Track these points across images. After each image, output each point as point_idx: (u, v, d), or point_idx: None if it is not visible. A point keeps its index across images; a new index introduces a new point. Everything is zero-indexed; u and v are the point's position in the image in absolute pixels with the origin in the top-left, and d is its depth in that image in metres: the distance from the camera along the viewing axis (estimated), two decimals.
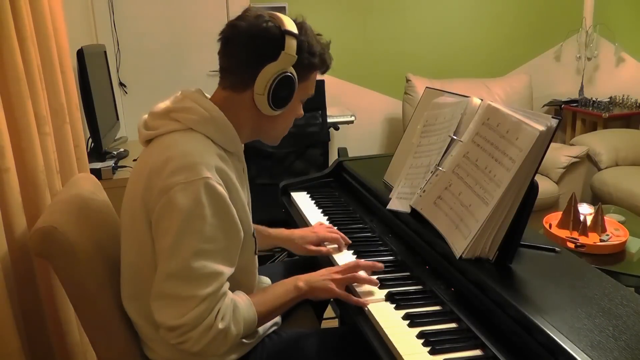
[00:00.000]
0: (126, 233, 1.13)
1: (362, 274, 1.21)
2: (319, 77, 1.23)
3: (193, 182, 0.99)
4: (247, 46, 1.10)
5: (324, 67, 1.20)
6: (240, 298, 1.10)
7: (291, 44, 1.09)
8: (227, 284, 1.06)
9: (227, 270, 1.05)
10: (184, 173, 0.99)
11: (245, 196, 1.17)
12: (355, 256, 1.39)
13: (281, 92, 1.12)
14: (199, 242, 1.00)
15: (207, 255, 1.01)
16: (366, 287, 1.20)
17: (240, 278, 1.14)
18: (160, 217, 1.01)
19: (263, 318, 1.14)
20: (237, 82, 1.13)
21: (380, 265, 1.24)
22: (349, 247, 1.44)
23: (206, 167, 1.01)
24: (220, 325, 1.01)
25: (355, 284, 1.20)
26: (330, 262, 1.39)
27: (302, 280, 1.19)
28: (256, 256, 1.24)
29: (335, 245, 1.44)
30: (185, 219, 0.98)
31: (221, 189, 1.02)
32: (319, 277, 1.20)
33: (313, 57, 1.15)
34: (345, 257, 1.39)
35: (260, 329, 1.23)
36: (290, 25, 1.11)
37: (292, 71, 1.12)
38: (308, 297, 1.20)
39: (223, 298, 1.04)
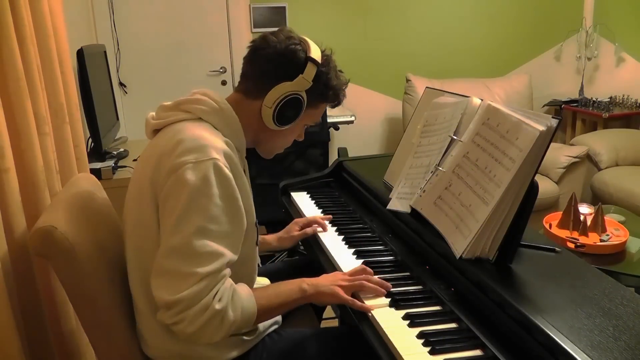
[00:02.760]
0: (131, 217, 1.14)
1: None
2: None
3: (202, 162, 1.02)
4: (271, 60, 1.17)
5: (335, 101, 1.27)
6: (242, 288, 1.10)
7: (311, 71, 1.17)
8: (229, 270, 1.06)
9: (229, 254, 1.05)
10: (194, 153, 1.02)
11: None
12: (355, 256, 1.39)
13: (287, 111, 1.18)
14: (204, 220, 1.01)
15: (210, 234, 1.01)
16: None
17: (241, 268, 1.14)
18: (167, 195, 1.03)
19: (263, 313, 1.13)
20: (251, 90, 1.19)
21: (389, 285, 1.20)
22: (350, 247, 1.44)
23: (215, 149, 1.05)
24: (217, 306, 1.00)
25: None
26: (331, 262, 1.39)
27: (308, 283, 1.18)
28: (257, 247, 1.25)
29: (317, 227, 1.56)
30: (192, 196, 1.00)
31: (228, 172, 1.05)
32: (326, 282, 1.19)
33: (327, 89, 1.22)
34: (345, 257, 1.38)
35: (261, 326, 1.23)
36: (316, 54, 1.18)
37: (303, 95, 1.18)
38: (313, 301, 1.20)
39: (223, 280, 1.03)
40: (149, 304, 1.12)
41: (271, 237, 1.59)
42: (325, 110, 2.98)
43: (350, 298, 1.16)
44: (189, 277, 0.99)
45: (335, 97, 1.25)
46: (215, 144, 1.06)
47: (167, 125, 1.13)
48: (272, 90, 1.16)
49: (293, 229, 1.57)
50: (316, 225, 1.57)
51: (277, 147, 1.29)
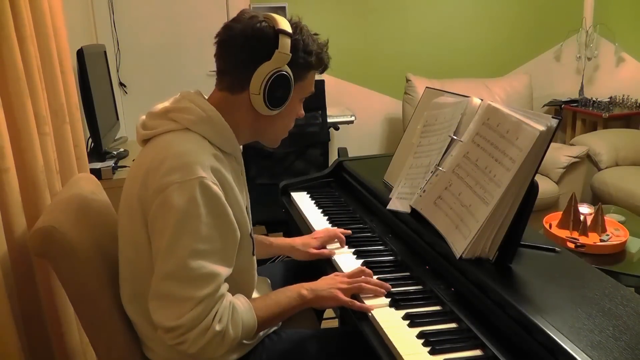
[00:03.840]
0: (123, 232, 1.13)
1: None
2: (318, 76, 1.23)
3: (188, 182, 0.99)
4: (241, 47, 1.10)
5: (321, 66, 1.19)
6: (240, 302, 1.10)
7: (285, 43, 1.09)
8: (226, 286, 1.06)
9: (225, 271, 1.05)
10: (179, 172, 1.00)
11: (243, 198, 1.17)
12: (355, 256, 1.39)
13: (277, 91, 1.12)
14: (195, 242, 1.00)
15: (203, 255, 1.01)
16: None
17: (239, 279, 1.14)
18: (155, 217, 1.01)
19: (263, 323, 1.13)
20: (234, 84, 1.13)
21: (388, 286, 1.20)
22: (350, 247, 1.44)
23: (201, 166, 1.02)
24: (218, 328, 1.01)
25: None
26: (331, 262, 1.39)
27: (306, 289, 1.18)
28: (254, 257, 1.24)
29: (337, 245, 1.46)
30: (180, 219, 0.99)
31: (216, 189, 1.02)
32: (325, 285, 1.19)
33: (309, 56, 1.14)
34: (345, 257, 1.38)
35: (261, 332, 1.23)
36: (284, 25, 1.11)
37: (287, 70, 1.11)
38: (313, 306, 1.20)
39: (221, 300, 1.03)
40: (143, 316, 1.12)
41: (283, 244, 1.51)
42: (325, 110, 2.99)
43: (349, 300, 1.16)
44: (187, 302, 0.99)
45: (319, 61, 1.17)
46: (202, 159, 1.03)
47: (156, 135, 1.10)
48: (254, 75, 1.09)
49: (311, 244, 1.46)
50: (335, 246, 1.46)
51: (280, 132, 1.23)
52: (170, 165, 1.01)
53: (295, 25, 1.14)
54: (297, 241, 1.48)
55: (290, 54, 1.10)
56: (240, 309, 1.08)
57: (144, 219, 1.05)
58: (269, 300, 1.17)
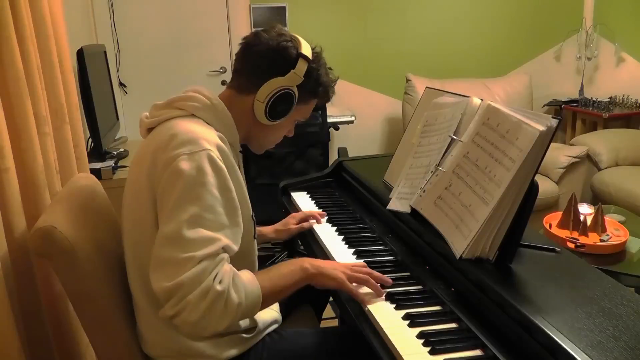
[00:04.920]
0: (129, 218, 1.14)
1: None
2: None
3: (197, 153, 1.03)
4: (263, 56, 1.19)
5: (325, 98, 1.30)
6: (243, 273, 1.08)
7: (302, 67, 1.20)
8: (227, 255, 1.04)
9: (226, 240, 1.03)
10: (188, 146, 1.04)
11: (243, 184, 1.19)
12: (356, 256, 1.39)
13: (279, 106, 1.21)
14: (199, 209, 1.00)
15: (204, 223, 1.00)
16: (367, 288, 1.18)
17: (239, 262, 1.12)
18: (164, 189, 1.03)
19: (267, 296, 1.09)
20: (244, 85, 1.21)
21: (389, 280, 1.20)
22: (350, 247, 1.44)
23: (208, 142, 1.06)
24: (219, 288, 0.97)
25: (356, 284, 1.18)
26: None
27: (309, 263, 1.17)
28: (255, 241, 1.26)
29: (313, 221, 1.60)
30: (187, 184, 1.01)
31: (221, 164, 1.06)
32: (329, 265, 1.19)
33: (318, 85, 1.25)
34: (345, 257, 1.39)
35: (260, 325, 1.23)
36: (307, 51, 1.21)
37: (294, 90, 1.21)
38: (313, 282, 1.16)
39: (221, 264, 1.01)
40: (148, 299, 1.12)
41: (268, 229, 1.62)
42: (325, 110, 2.99)
43: (353, 287, 1.16)
44: (187, 262, 0.97)
45: (325, 93, 1.28)
46: (209, 137, 1.08)
47: (161, 123, 1.15)
48: (265, 85, 1.18)
49: (290, 222, 1.61)
50: (313, 220, 1.60)
51: (268, 142, 1.32)
52: (179, 140, 1.05)
53: (316, 55, 1.24)
54: (277, 225, 1.62)
55: (303, 78, 1.20)
56: (242, 276, 1.05)
57: (152, 197, 1.06)
58: (271, 273, 1.14)
